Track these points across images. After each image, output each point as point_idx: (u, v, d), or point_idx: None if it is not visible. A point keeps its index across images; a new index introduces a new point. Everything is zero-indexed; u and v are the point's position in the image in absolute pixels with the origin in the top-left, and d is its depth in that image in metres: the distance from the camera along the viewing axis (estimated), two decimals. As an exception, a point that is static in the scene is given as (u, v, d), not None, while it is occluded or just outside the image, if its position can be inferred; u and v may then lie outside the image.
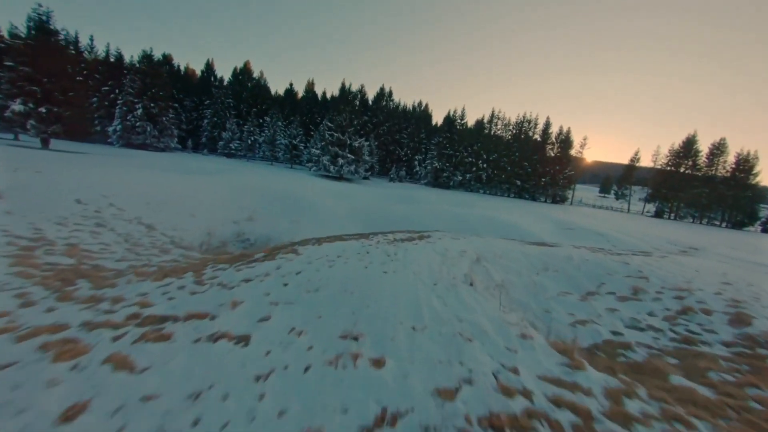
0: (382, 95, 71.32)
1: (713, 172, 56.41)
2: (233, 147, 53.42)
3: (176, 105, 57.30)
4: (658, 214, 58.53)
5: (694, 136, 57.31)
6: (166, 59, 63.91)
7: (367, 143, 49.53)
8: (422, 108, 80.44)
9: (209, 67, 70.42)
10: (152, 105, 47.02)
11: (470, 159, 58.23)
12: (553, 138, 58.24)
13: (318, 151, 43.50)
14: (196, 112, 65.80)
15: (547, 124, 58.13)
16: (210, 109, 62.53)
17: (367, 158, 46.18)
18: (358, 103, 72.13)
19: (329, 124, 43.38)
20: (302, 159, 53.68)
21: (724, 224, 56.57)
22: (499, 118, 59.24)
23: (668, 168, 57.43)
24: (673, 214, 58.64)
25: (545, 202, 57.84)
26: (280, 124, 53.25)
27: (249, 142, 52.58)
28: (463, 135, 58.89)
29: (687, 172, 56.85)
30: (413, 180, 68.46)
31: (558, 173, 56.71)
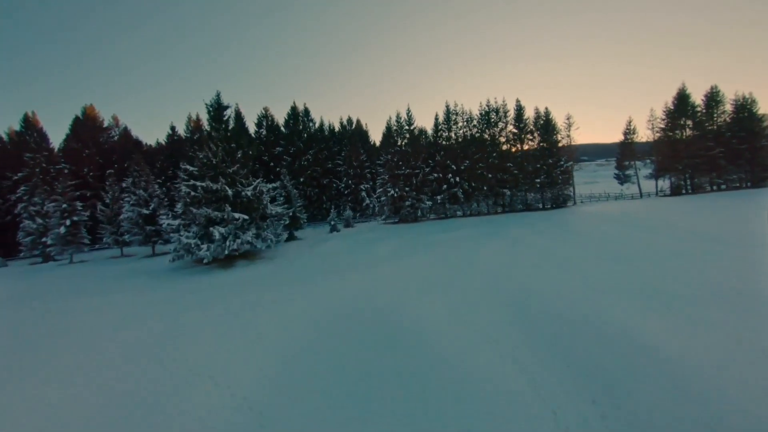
0: (296, 116, 52.94)
1: (713, 128, 46.06)
2: (49, 241, 30.55)
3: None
4: (676, 191, 46.46)
5: (684, 90, 46.99)
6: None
7: (274, 185, 30.28)
8: (354, 125, 63.55)
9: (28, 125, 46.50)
10: None
11: (435, 175, 41.46)
12: (530, 125, 44.07)
13: (176, 223, 23.16)
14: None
15: (520, 109, 43.98)
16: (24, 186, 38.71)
17: (275, 210, 26.87)
18: (264, 130, 52.96)
19: (189, 169, 23.56)
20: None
21: (747, 185, 45.96)
22: (457, 113, 43.97)
23: (673, 134, 45.92)
24: (689, 187, 47.03)
25: (548, 208, 42.68)
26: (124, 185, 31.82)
27: (63, 230, 29.90)
28: (416, 145, 42.27)
29: (693, 133, 45.81)
30: (365, 217, 49.95)
31: (552, 167, 42.12)
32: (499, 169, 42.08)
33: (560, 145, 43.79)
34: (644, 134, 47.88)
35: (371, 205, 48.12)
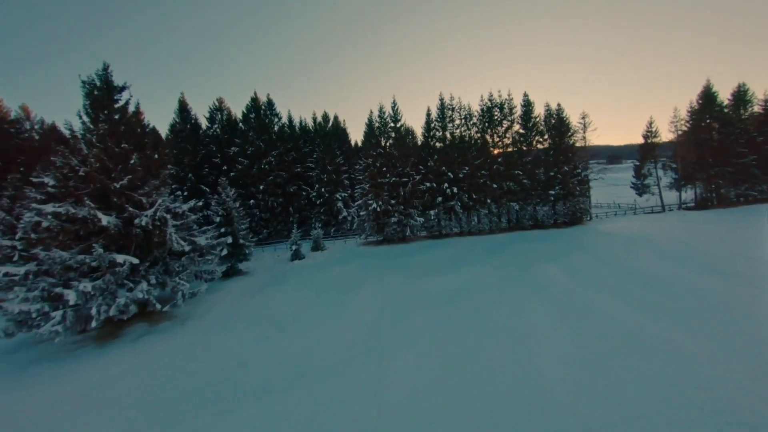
0: (257, 109, 43.48)
1: (741, 131, 40.07)
2: None
3: None
4: (702, 204, 40.18)
5: (710, 87, 40.82)
6: None
7: (199, 202, 21.59)
8: (330, 123, 54.60)
9: None
10: None
11: (428, 184, 33.24)
12: (540, 124, 36.56)
13: (21, 271, 13.82)
14: None
15: (528, 105, 36.38)
16: None
17: (201, 242, 18.00)
18: (217, 126, 43.47)
19: (47, 182, 14.24)
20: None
21: (777, 197, 40.23)
22: (453, 109, 35.91)
23: (699, 137, 39.50)
24: (714, 198, 40.90)
25: (561, 224, 35.29)
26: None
27: None
28: (404, 147, 33.93)
29: (720, 136, 39.59)
30: (342, 233, 41.18)
31: (568, 176, 34.78)
32: (506, 177, 34.33)
33: (574, 148, 36.51)
34: (666, 137, 41.49)
35: (349, 218, 39.41)
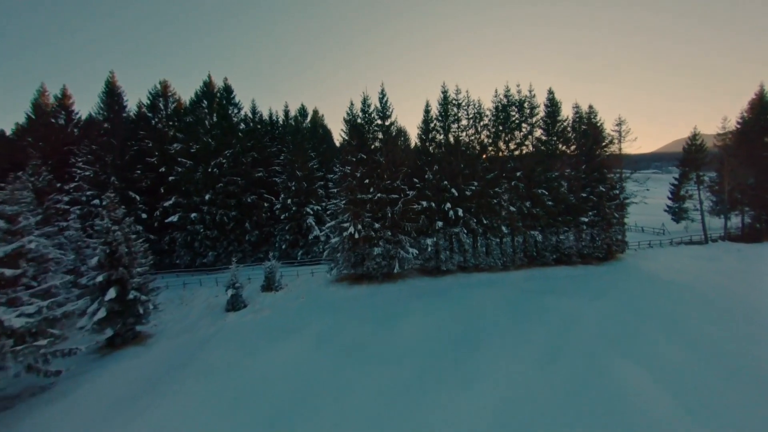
0: (209, 96, 34.25)
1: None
2: None
3: None
4: (753, 235, 33.05)
5: (764, 94, 33.86)
6: None
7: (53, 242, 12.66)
8: (309, 118, 45.88)
9: None
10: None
11: (424, 203, 24.80)
12: (567, 130, 28.71)
13: None
14: None
15: (553, 104, 28.46)
16: None
17: (16, 323, 9.01)
18: (159, 115, 34.30)
19: None
20: None
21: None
22: (460, 106, 27.62)
23: (751, 152, 32.36)
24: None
25: (591, 258, 27.46)
26: None
27: None
28: (394, 151, 25.40)
29: (778, 153, 32.63)
30: (312, 257, 32.37)
31: (603, 198, 27.00)
32: (525, 196, 26.27)
33: (610, 161, 28.74)
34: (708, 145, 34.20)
35: (323, 237, 30.48)
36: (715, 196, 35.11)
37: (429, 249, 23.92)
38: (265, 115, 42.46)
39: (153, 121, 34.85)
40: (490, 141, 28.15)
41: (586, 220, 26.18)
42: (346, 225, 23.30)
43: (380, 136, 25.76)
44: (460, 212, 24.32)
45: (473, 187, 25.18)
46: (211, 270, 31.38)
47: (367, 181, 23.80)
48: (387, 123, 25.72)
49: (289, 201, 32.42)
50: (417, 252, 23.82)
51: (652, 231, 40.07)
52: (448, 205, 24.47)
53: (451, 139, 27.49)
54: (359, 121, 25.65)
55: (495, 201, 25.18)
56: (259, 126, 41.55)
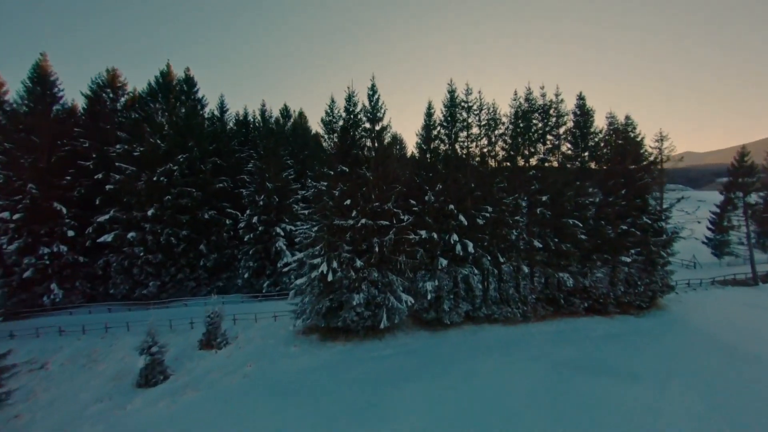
0: (165, 89, 28.23)
1: None
2: None
3: None
4: (813, 276, 27.73)
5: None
6: None
7: None
8: (292, 120, 40.24)
9: None
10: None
11: (423, 233, 18.84)
12: (601, 142, 23.25)
13: None
14: None
15: (584, 111, 23.05)
16: None
17: None
18: (100, 109, 28.23)
19: None
20: None
21: None
22: (470, 109, 21.96)
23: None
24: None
25: (629, 306, 21.70)
26: None
27: None
28: (386, 164, 19.51)
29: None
30: (281, 290, 26.14)
31: (648, 232, 21.41)
32: (553, 226, 20.53)
33: (653, 185, 23.25)
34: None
35: (295, 267, 24.03)
36: (760, 226, 29.90)
37: (429, 296, 17.91)
38: (240, 114, 36.60)
39: (95, 117, 28.59)
40: (507, 154, 22.50)
41: (629, 260, 20.48)
42: (316, 261, 17.23)
43: (368, 143, 19.91)
44: (470, 247, 18.43)
45: (487, 214, 19.37)
46: (154, 303, 24.99)
47: (348, 202, 17.83)
48: (378, 127, 19.89)
49: (255, 219, 26.27)
50: (413, 301, 17.78)
51: (681, 263, 34.61)
52: (455, 236, 18.59)
53: (459, 151, 21.76)
54: (342, 123, 19.79)
55: (515, 232, 19.36)
56: (235, 127, 35.63)
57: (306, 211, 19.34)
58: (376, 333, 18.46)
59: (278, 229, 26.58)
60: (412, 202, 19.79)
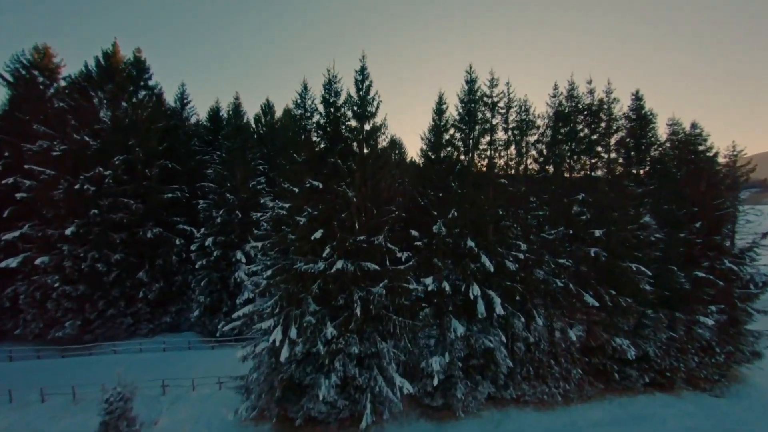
0: (109, 72, 22.41)
1: None
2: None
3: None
4: None
5: None
6: None
7: None
8: (272, 112, 34.69)
9: None
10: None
11: (427, 282, 12.99)
12: (665, 157, 17.67)
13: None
14: None
15: (643, 115, 17.51)
16: None
17: None
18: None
19: None
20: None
21: None
22: (494, 107, 16.44)
23: None
24: None
25: (712, 381, 15.94)
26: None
27: None
28: (383, 177, 13.73)
29: None
30: (237, 333, 20.06)
31: (730, 278, 15.72)
32: (606, 272, 14.79)
33: (731, 213, 17.60)
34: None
35: (237, 326, 17.93)
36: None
37: (437, 376, 12.08)
38: (212, 109, 30.91)
39: (16, 107, 22.74)
40: (541, 168, 16.80)
41: (711, 322, 14.75)
42: (266, 324, 11.42)
43: (355, 147, 14.12)
44: (498, 305, 12.61)
45: (520, 254, 13.60)
46: (74, 348, 19.09)
47: (319, 234, 12.02)
48: (368, 126, 14.12)
49: (209, 240, 20.39)
50: (411, 388, 11.96)
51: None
52: (476, 289, 12.77)
53: (477, 161, 16.03)
54: (319, 119, 14.02)
55: (560, 281, 13.59)
56: (207, 123, 29.90)
57: (258, 244, 13.44)
58: (356, 423, 12.62)
59: (240, 254, 20.73)
60: (414, 233, 13.97)
